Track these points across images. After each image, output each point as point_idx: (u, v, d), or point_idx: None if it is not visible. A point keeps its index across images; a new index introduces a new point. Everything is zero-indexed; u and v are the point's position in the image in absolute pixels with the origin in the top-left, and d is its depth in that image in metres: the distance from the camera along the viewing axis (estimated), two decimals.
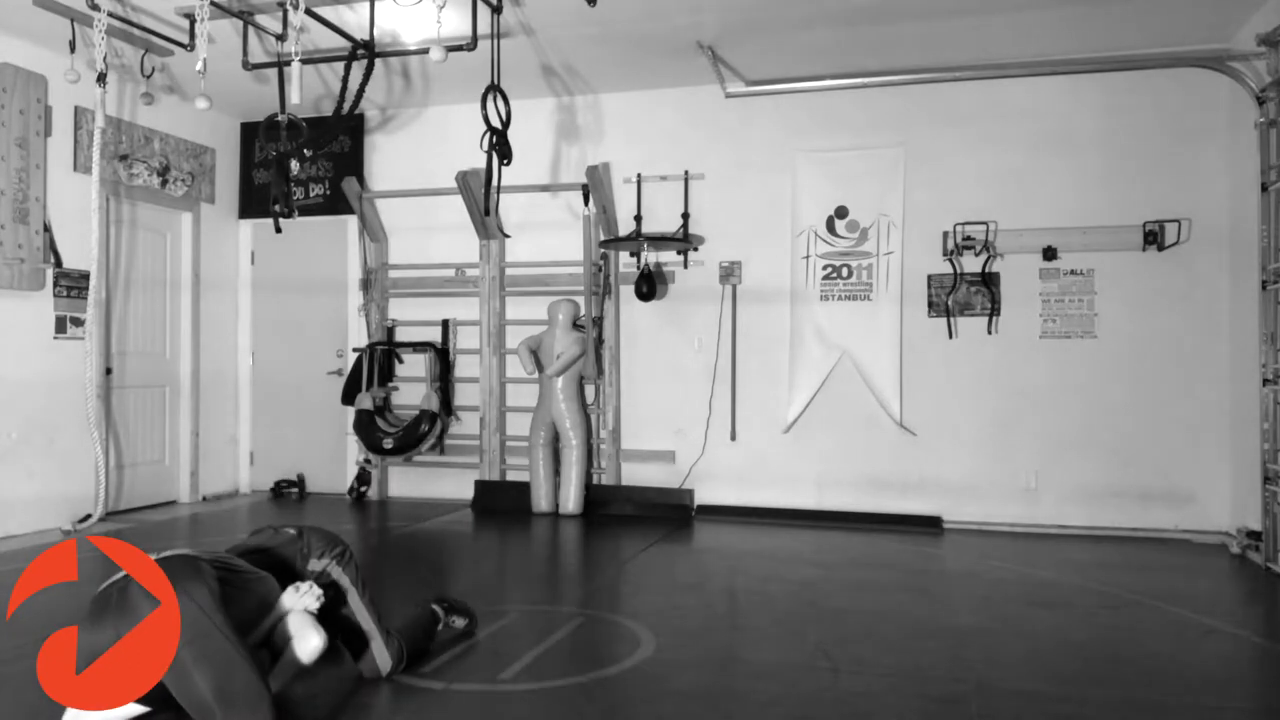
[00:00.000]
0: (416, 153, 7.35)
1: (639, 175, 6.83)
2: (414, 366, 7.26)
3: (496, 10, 4.89)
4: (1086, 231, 6.06)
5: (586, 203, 6.68)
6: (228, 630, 2.58)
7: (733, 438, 6.70)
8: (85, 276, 6.05)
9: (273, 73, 5.63)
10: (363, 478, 7.26)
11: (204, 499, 7.33)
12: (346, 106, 5.37)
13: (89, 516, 6.15)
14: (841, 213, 6.50)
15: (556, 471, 6.69)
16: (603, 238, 6.73)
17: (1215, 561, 5.31)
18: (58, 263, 6.06)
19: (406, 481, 7.38)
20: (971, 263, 6.26)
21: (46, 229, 5.98)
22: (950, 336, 6.32)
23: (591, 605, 4.29)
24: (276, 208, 5.76)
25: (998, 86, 6.21)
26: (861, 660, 3.47)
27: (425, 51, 4.86)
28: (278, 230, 6.02)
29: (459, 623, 3.67)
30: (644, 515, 6.57)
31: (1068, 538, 5.95)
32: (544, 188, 6.99)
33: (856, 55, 6.03)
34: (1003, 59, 6.05)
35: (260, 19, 5.36)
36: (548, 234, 7.01)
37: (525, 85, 6.53)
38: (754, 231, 6.66)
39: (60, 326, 6.13)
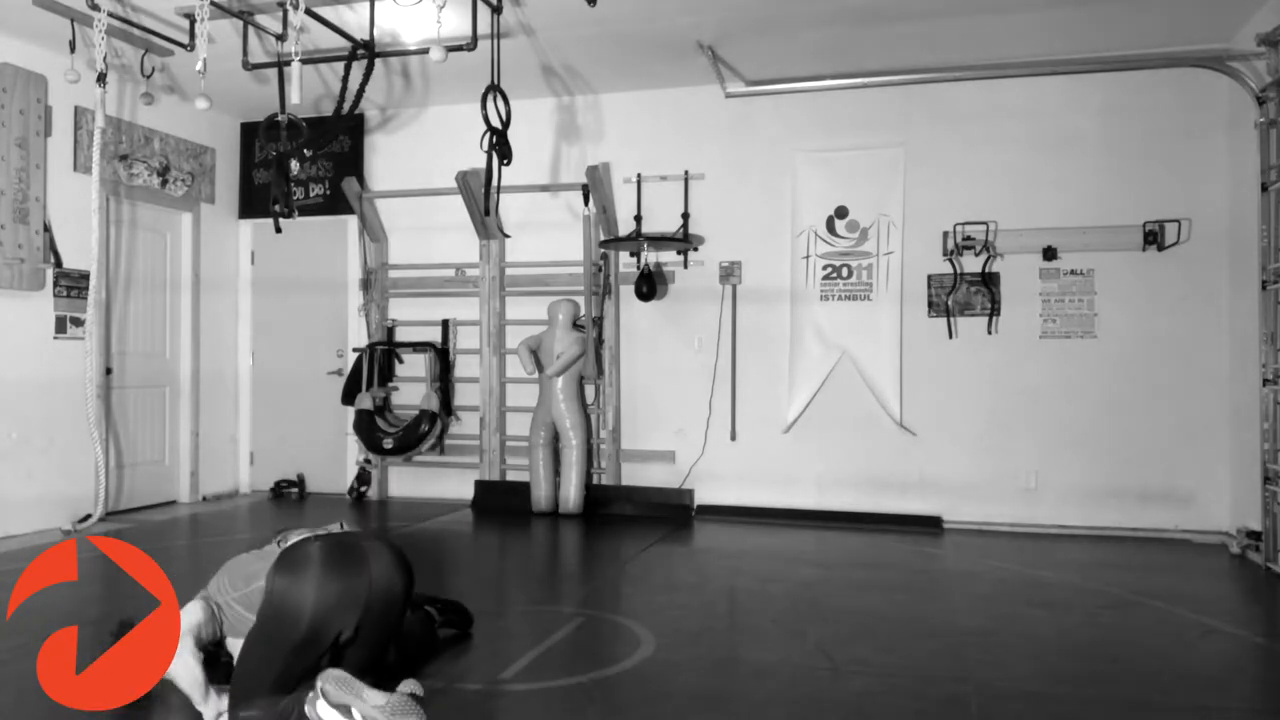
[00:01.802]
0: (416, 153, 7.35)
1: (639, 175, 6.83)
2: (414, 366, 7.26)
3: (496, 10, 4.89)
4: (1086, 231, 6.06)
5: (586, 203, 6.67)
6: None
7: (733, 438, 6.70)
8: (85, 276, 6.05)
9: (273, 73, 5.63)
10: (363, 478, 7.26)
11: (204, 499, 7.33)
12: (346, 106, 5.37)
13: (89, 516, 6.15)
14: (841, 213, 6.50)
15: (556, 471, 6.69)
16: (603, 238, 6.73)
17: (1215, 561, 5.31)
18: (58, 263, 6.06)
19: (406, 481, 7.37)
20: (971, 263, 6.26)
21: (46, 229, 5.98)
22: (950, 336, 6.32)
23: (591, 605, 4.29)
24: (276, 208, 5.75)
25: (997, 86, 6.21)
26: (861, 660, 3.47)
27: (425, 51, 4.86)
28: (278, 230, 6.01)
29: (444, 616, 3.67)
30: (644, 515, 6.57)
31: (1067, 538, 5.95)
32: (544, 188, 6.98)
33: (856, 55, 6.03)
34: (1002, 59, 6.05)
35: (260, 19, 5.36)
36: (548, 234, 7.00)
37: (525, 85, 6.53)
38: (754, 231, 6.65)
39: (60, 326, 6.13)
